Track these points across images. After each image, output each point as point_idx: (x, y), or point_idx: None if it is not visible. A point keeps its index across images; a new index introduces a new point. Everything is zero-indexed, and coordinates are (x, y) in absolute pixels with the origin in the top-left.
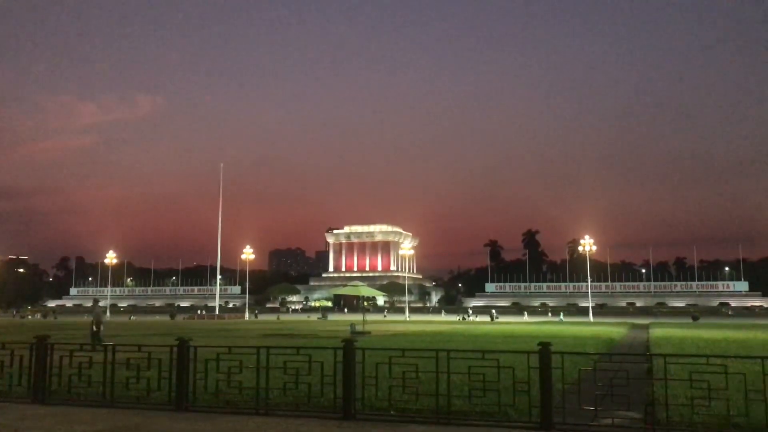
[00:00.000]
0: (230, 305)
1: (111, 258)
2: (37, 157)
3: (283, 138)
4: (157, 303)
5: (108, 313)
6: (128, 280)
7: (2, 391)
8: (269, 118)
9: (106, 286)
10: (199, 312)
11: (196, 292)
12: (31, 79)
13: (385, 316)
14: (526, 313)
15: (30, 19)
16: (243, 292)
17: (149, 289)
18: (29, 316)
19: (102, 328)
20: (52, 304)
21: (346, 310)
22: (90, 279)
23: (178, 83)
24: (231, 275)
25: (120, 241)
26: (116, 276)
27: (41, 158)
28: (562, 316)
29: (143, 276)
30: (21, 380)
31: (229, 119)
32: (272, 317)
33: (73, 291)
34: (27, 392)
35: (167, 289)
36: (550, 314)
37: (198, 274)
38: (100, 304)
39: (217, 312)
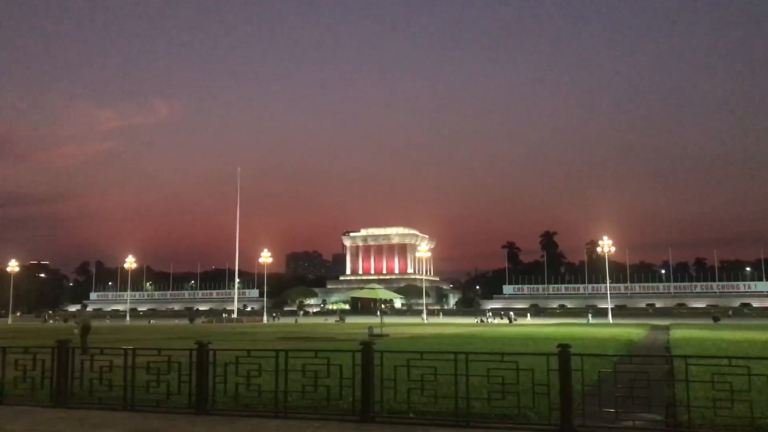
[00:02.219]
0: (248, 308)
1: (130, 263)
2: (57, 164)
3: (300, 141)
4: (176, 307)
5: (128, 317)
6: (147, 284)
7: (25, 394)
8: (286, 122)
9: (125, 290)
10: (225, 316)
11: (214, 295)
12: (49, 86)
13: (424, 320)
14: (528, 314)
15: (46, 26)
16: (261, 295)
17: (168, 293)
18: (50, 321)
19: (89, 333)
20: (72, 308)
21: (379, 312)
22: (110, 283)
23: (196, 88)
24: (249, 279)
25: (139, 246)
26: (135, 280)
27: (61, 164)
28: (590, 318)
29: (162, 280)
30: (43, 384)
31: (246, 123)
32: (290, 320)
33: (93, 295)
34: (49, 396)
35: (186, 292)
36: (590, 316)
37: (216, 278)
38: (91, 309)
39: (235, 315)
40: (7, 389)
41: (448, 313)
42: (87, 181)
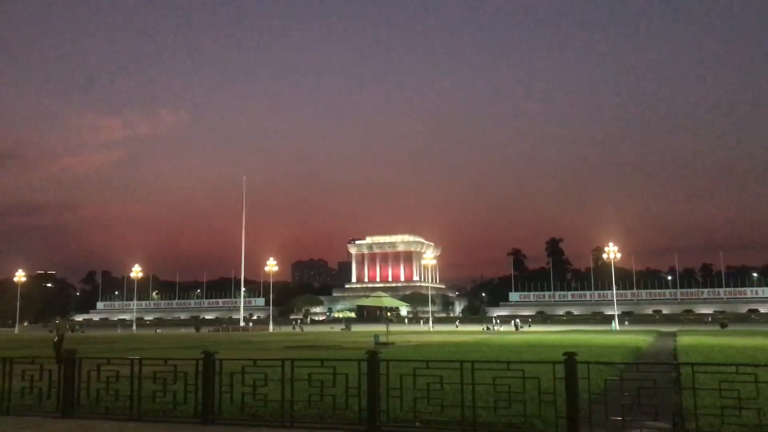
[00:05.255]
0: (254, 317)
1: (136, 272)
2: (63, 173)
3: (305, 150)
4: (182, 316)
5: (134, 327)
6: (153, 293)
7: (32, 404)
8: (291, 131)
9: (131, 299)
10: (244, 324)
11: (220, 304)
12: (55, 96)
13: (461, 326)
14: (518, 321)
15: (53, 36)
16: (267, 303)
17: (174, 302)
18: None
19: (63, 341)
20: (79, 317)
21: (406, 321)
22: (116, 293)
23: (201, 97)
24: (255, 287)
25: (145, 255)
26: (142, 289)
27: (67, 174)
28: (615, 325)
29: (168, 289)
30: (50, 394)
31: (251, 132)
32: (296, 329)
33: (99, 305)
34: (56, 406)
35: (192, 301)
36: (625, 322)
37: (222, 287)
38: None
39: (242, 324)
40: (15, 400)
41: (454, 320)
42: (93, 190)
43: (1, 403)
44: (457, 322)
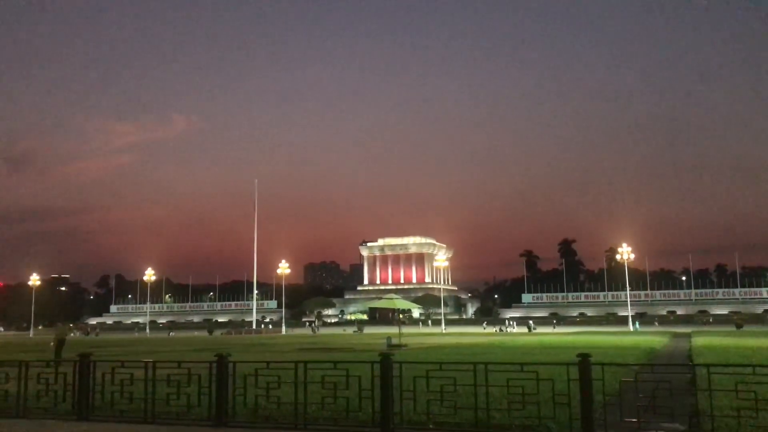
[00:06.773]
0: (267, 320)
1: (150, 275)
2: (77, 178)
3: (317, 152)
4: (195, 319)
5: (148, 330)
6: (167, 296)
7: (47, 408)
8: (303, 134)
9: (145, 302)
10: (257, 327)
11: (233, 307)
12: (68, 101)
13: (488, 327)
14: (514, 324)
15: (66, 40)
16: (279, 306)
17: (187, 305)
18: (71, 334)
19: (64, 344)
20: (93, 321)
21: (428, 322)
22: (129, 296)
23: (213, 101)
24: (267, 290)
25: (158, 259)
26: (155, 293)
27: (80, 179)
28: (638, 325)
29: (181, 292)
30: (65, 397)
31: (263, 135)
32: (308, 331)
33: (113, 308)
34: (71, 409)
35: (205, 304)
36: (655, 323)
37: (235, 290)
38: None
39: (254, 326)
40: (30, 403)
41: (469, 322)
42: (107, 194)
43: (17, 406)
44: (485, 324)
